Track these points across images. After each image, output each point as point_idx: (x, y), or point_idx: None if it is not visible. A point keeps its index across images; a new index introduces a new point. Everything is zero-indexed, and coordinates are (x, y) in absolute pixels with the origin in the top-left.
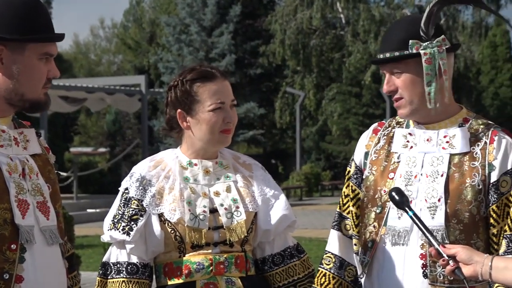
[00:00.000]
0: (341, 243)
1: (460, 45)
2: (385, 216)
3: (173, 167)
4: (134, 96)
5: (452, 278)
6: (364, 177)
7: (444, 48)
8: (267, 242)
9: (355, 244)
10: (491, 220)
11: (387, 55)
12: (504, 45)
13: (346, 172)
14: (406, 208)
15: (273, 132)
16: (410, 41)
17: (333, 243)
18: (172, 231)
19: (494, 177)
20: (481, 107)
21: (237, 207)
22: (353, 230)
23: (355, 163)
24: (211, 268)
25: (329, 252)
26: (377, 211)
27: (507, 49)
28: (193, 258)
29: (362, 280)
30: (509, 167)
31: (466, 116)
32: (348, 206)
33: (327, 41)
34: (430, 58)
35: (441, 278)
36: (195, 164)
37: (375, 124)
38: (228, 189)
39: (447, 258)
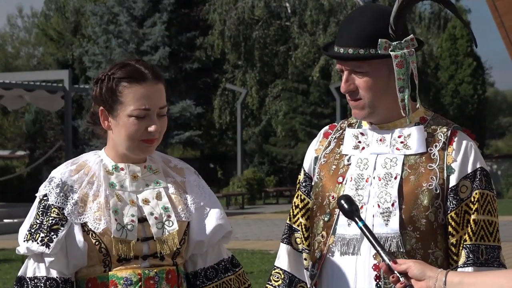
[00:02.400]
0: (291, 258)
1: (424, 44)
2: (334, 224)
3: (98, 171)
4: (57, 93)
5: None
6: (313, 183)
7: (413, 49)
8: (200, 254)
9: (306, 259)
10: (450, 229)
11: (350, 51)
12: (464, 38)
13: (297, 181)
14: (356, 219)
15: (211, 133)
16: (380, 40)
17: (283, 258)
18: (97, 243)
19: (453, 181)
20: (440, 106)
21: (169, 216)
22: (303, 244)
23: (304, 170)
24: (140, 284)
25: (278, 267)
26: (325, 219)
27: (468, 42)
28: (119, 273)
29: None
30: (469, 171)
31: (423, 115)
32: (298, 218)
33: (271, 33)
34: (401, 61)
35: None
36: (122, 169)
37: (326, 127)
38: (158, 196)
39: (397, 274)
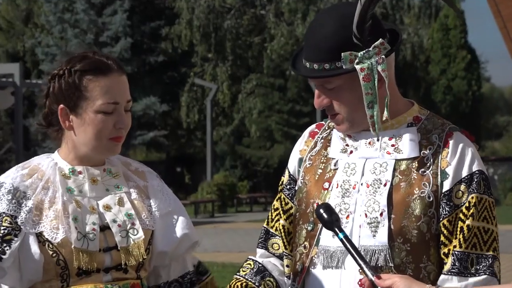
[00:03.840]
0: (266, 257)
1: (401, 40)
2: (318, 234)
3: (53, 176)
4: (6, 88)
5: None
6: (296, 188)
7: (383, 56)
8: (163, 266)
9: (288, 266)
10: (442, 238)
11: (315, 66)
12: (458, 29)
13: (280, 183)
14: (336, 229)
15: (178, 134)
16: (343, 54)
17: (257, 256)
18: (54, 254)
19: (446, 186)
20: (431, 103)
21: (133, 224)
22: (285, 248)
23: (289, 172)
24: None
25: (251, 259)
26: (309, 228)
27: (462, 33)
28: None
29: None
30: (464, 174)
31: (417, 114)
32: (278, 221)
33: (245, 23)
34: (368, 74)
35: None
36: (80, 172)
37: (313, 126)
38: (121, 202)
39: None
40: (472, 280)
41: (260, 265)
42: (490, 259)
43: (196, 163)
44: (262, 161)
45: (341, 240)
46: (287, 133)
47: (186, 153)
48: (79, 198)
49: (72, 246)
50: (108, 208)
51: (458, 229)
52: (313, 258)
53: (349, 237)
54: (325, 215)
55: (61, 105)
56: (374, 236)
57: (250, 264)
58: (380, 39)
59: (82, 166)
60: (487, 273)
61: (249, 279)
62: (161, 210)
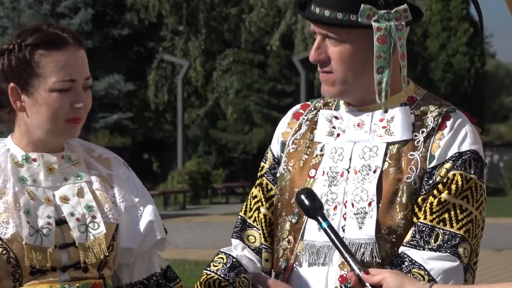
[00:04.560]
0: (240, 250)
1: (423, 15)
2: (303, 228)
3: (4, 163)
4: None
5: None
6: (279, 175)
7: (403, 23)
8: (126, 265)
9: (267, 260)
10: (414, 218)
11: (327, 13)
12: None
13: (260, 168)
14: (319, 218)
15: (145, 116)
16: (362, 5)
17: (230, 248)
18: (4, 252)
19: (431, 165)
20: (429, 82)
21: (94, 217)
22: (265, 241)
23: (272, 154)
24: None
25: (223, 252)
26: (293, 220)
27: (463, 3)
28: None
29: None
30: (452, 152)
31: (413, 94)
32: (257, 210)
33: None
34: (384, 35)
35: None
36: (34, 160)
37: (297, 106)
38: (80, 193)
39: (370, 287)
40: (427, 254)
41: (234, 259)
42: (457, 239)
43: (165, 149)
44: (239, 146)
45: (324, 230)
46: (268, 115)
47: (154, 138)
48: (32, 188)
49: (24, 243)
50: (65, 199)
51: (428, 202)
52: (299, 254)
53: (335, 228)
54: (306, 202)
55: (12, 84)
56: (360, 228)
57: (222, 258)
58: (405, 4)
59: (37, 153)
60: (449, 251)
61: (222, 275)
62: (126, 201)
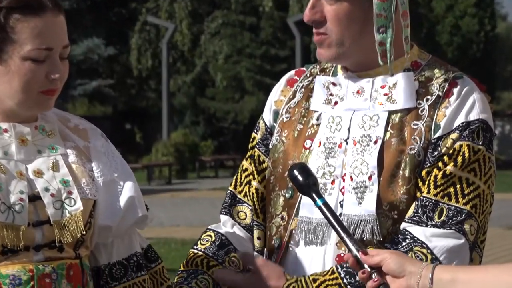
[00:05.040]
0: (230, 227)
1: None
2: (297, 203)
3: None
4: None
5: None
6: (271, 146)
7: None
8: (104, 245)
9: (259, 238)
10: (417, 192)
11: None
12: None
13: (251, 139)
14: (314, 195)
15: (127, 83)
16: None
17: (219, 225)
18: None
19: (436, 135)
20: (435, 46)
21: (70, 193)
22: (257, 217)
23: (265, 124)
24: (31, 283)
25: (211, 229)
26: (287, 195)
27: None
28: (4, 270)
29: None
30: (459, 122)
31: (417, 59)
32: (248, 184)
33: None
34: None
35: None
36: (5, 130)
37: (291, 73)
38: (55, 167)
39: (368, 269)
40: (430, 230)
41: (223, 237)
42: (463, 215)
43: (149, 119)
44: (229, 116)
45: (319, 208)
46: (260, 82)
47: (137, 106)
48: (3, 161)
49: None
50: (39, 173)
51: (433, 175)
52: (293, 232)
53: (330, 205)
54: (300, 178)
55: None
56: (359, 203)
57: (210, 236)
58: None
59: (8, 123)
60: (454, 228)
61: (210, 254)
62: (105, 176)
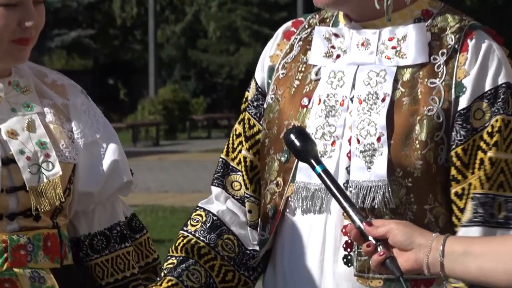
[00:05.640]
0: (222, 203)
1: None
2: (294, 167)
3: None
4: None
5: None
6: (265, 105)
7: None
8: (84, 213)
9: (250, 211)
10: (454, 172)
11: None
12: None
13: (244, 99)
14: (312, 161)
15: (110, 33)
16: None
17: (210, 199)
18: None
19: (463, 103)
20: None
21: (47, 156)
22: (247, 189)
23: (256, 83)
24: (5, 255)
25: (201, 208)
26: (282, 159)
27: None
28: None
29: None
30: (487, 88)
31: (428, 7)
32: (240, 151)
33: None
34: None
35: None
36: None
37: (288, 24)
38: (31, 127)
39: (373, 242)
40: (502, 233)
41: (214, 217)
42: None
43: (134, 73)
44: (223, 70)
45: (319, 175)
46: (258, 33)
47: (120, 59)
48: None
49: None
50: (13, 134)
51: (477, 162)
52: (290, 199)
53: (330, 172)
54: (297, 142)
55: None
56: (369, 168)
57: (201, 215)
58: None
59: None
60: None
61: (201, 238)
62: (86, 137)
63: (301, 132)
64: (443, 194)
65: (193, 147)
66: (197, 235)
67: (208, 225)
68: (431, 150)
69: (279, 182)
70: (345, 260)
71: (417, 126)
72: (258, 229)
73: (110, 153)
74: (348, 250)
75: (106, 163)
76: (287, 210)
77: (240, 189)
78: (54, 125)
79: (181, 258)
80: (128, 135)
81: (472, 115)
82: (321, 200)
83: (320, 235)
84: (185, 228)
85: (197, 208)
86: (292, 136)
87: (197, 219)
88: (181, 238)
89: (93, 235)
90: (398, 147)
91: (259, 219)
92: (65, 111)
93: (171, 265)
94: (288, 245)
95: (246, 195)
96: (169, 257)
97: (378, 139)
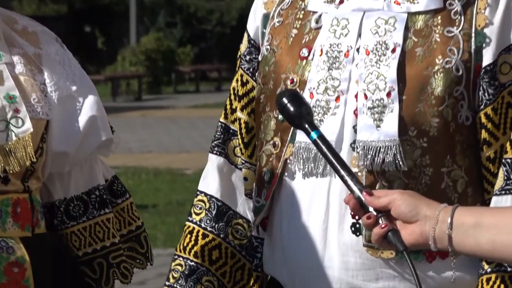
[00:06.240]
0: (225, 178)
1: None
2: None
3: None
4: None
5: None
6: (260, 58)
7: None
8: (59, 176)
9: (246, 178)
10: (485, 134)
11: None
12: None
13: (238, 55)
14: (307, 127)
15: None
16: None
17: (211, 178)
18: None
19: (488, 56)
20: None
21: (16, 111)
22: (242, 154)
23: (248, 35)
24: None
25: (202, 192)
26: (280, 117)
27: None
28: None
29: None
30: (508, 43)
31: None
32: (236, 111)
33: None
34: None
35: None
36: None
37: None
38: None
39: (374, 213)
40: None
41: (219, 203)
42: None
43: (113, 20)
44: (213, 16)
45: (314, 141)
46: None
47: (98, 4)
48: None
49: None
50: None
51: (508, 120)
52: (288, 161)
53: (326, 138)
54: (290, 107)
55: None
56: (378, 127)
57: (203, 202)
58: None
59: None
60: None
61: (208, 228)
62: (60, 90)
63: (295, 96)
64: (462, 156)
65: (179, 102)
66: (203, 225)
67: (214, 212)
68: (449, 106)
69: (276, 143)
70: (352, 228)
71: (433, 79)
72: (253, 194)
73: (88, 108)
74: (356, 217)
75: (82, 120)
76: (286, 174)
77: (240, 153)
78: (24, 77)
79: (190, 264)
80: (107, 88)
81: (498, 70)
82: (324, 162)
83: (323, 201)
84: (189, 218)
85: (198, 193)
86: (285, 100)
87: (199, 206)
88: (188, 232)
89: (69, 200)
90: (411, 103)
91: (255, 185)
92: (37, 61)
93: (180, 273)
94: (287, 212)
95: (242, 160)
96: (176, 257)
97: (388, 94)
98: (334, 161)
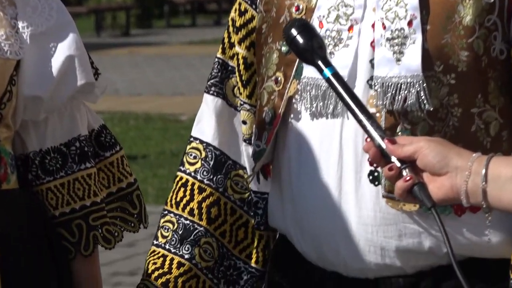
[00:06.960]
0: (222, 122)
1: None
2: (298, 60)
3: None
4: None
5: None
6: None
7: None
8: (34, 124)
9: (245, 122)
10: None
11: None
12: None
13: None
14: (319, 63)
15: None
16: None
17: (207, 123)
18: None
19: None
20: None
21: None
22: (241, 94)
23: None
24: None
25: (196, 139)
26: (284, 49)
27: None
28: None
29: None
30: None
31: None
32: (235, 47)
33: None
34: None
35: None
36: None
37: None
38: None
39: (398, 164)
40: None
41: (217, 152)
42: None
43: None
44: None
45: (327, 80)
46: None
47: None
48: None
49: None
50: None
51: None
52: (293, 100)
53: (341, 75)
54: (300, 40)
55: None
56: (398, 61)
57: (198, 150)
58: None
59: None
60: None
61: (205, 181)
62: (34, 26)
63: (306, 26)
64: (496, 95)
65: (173, 37)
66: (199, 177)
67: (212, 163)
68: (480, 38)
69: (279, 78)
70: (370, 177)
71: (461, 6)
72: (253, 138)
73: (65, 47)
74: (375, 165)
75: (58, 60)
76: (291, 114)
77: (239, 93)
78: None
79: (185, 223)
80: (90, 22)
81: None
82: (334, 100)
83: (335, 146)
84: (182, 168)
85: (192, 140)
86: (294, 31)
87: (194, 155)
88: (181, 185)
89: (45, 152)
90: (436, 33)
91: (255, 128)
92: None
93: (172, 233)
94: (296, 159)
95: (240, 101)
96: (167, 213)
97: (410, 23)
98: (351, 102)
